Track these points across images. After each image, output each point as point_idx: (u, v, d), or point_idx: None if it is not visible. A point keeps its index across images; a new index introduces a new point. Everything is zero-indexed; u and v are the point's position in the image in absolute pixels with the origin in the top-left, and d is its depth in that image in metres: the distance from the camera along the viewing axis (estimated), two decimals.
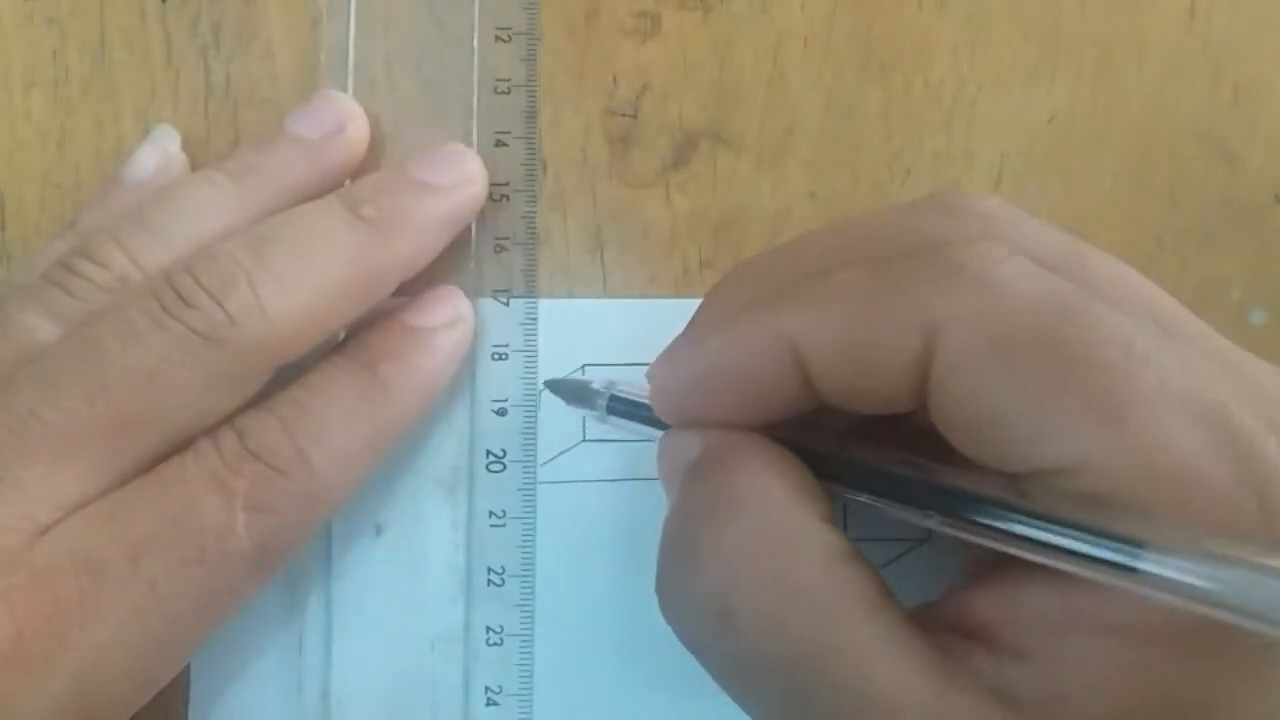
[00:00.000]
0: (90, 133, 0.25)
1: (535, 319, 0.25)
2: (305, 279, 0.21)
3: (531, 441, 0.24)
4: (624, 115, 0.26)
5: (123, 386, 0.20)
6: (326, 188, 0.24)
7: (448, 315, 0.24)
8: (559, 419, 0.25)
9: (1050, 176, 0.26)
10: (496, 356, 0.25)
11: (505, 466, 0.24)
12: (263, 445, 0.21)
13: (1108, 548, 0.16)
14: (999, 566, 0.18)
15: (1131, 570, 0.15)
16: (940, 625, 0.18)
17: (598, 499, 0.24)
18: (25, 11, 0.26)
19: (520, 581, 0.24)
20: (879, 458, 0.19)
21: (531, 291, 0.25)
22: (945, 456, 0.18)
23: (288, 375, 0.22)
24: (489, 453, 0.24)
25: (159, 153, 0.24)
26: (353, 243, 0.22)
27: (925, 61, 0.26)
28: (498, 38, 0.25)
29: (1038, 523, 0.17)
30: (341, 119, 0.24)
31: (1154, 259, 0.25)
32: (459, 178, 0.24)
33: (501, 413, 0.25)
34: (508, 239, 0.25)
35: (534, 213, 0.25)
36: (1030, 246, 0.18)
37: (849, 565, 0.18)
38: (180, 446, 0.21)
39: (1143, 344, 0.16)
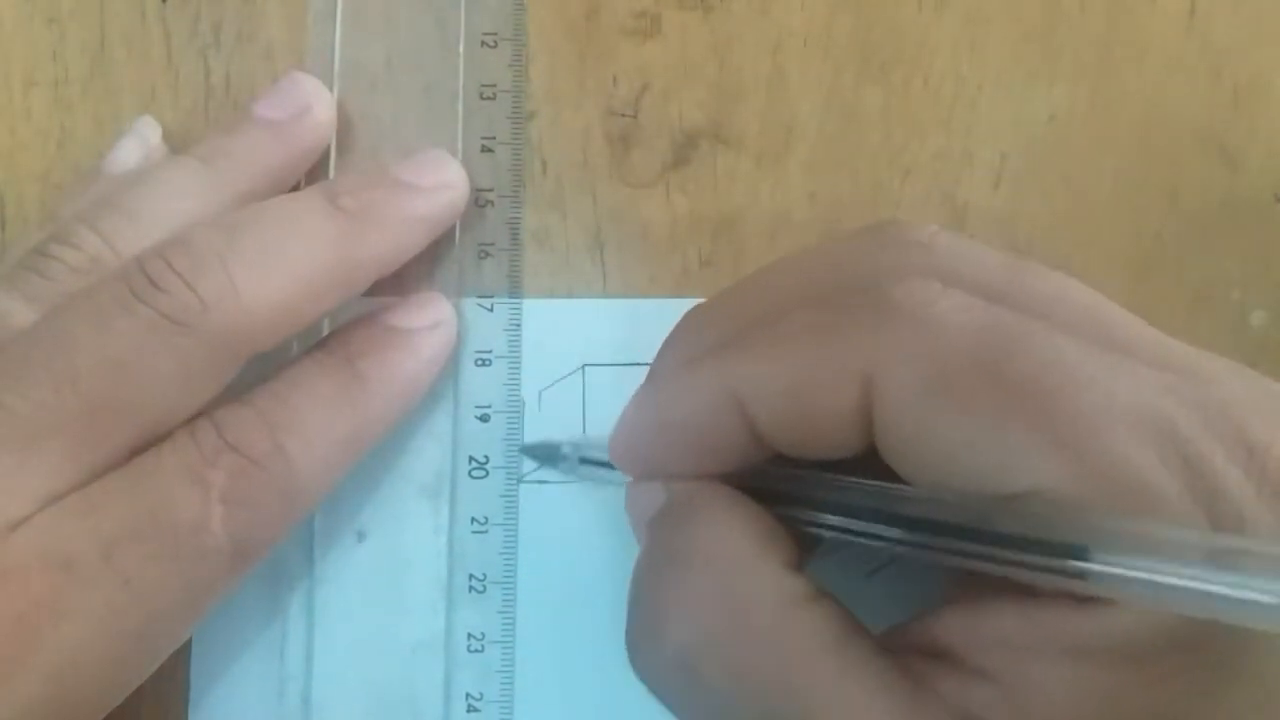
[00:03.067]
0: (90, 132, 0.25)
1: (519, 324, 0.25)
2: (280, 264, 0.21)
3: (514, 448, 0.24)
4: (624, 115, 0.26)
5: (92, 375, 0.19)
6: (297, 169, 0.24)
7: (430, 318, 0.24)
8: (546, 423, 0.25)
9: (1050, 176, 0.26)
10: (480, 362, 0.25)
11: (488, 473, 0.24)
12: (240, 437, 0.20)
13: (1057, 551, 0.16)
14: (966, 589, 0.18)
15: (1083, 571, 0.15)
16: (909, 649, 0.18)
17: (581, 503, 0.24)
18: (25, 11, 0.26)
19: (502, 588, 0.24)
20: (839, 490, 0.19)
21: (516, 296, 0.25)
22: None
23: (266, 371, 0.22)
24: (471, 459, 0.24)
25: (140, 144, 0.24)
26: (329, 231, 0.22)
27: (925, 61, 0.26)
28: (484, 43, 0.25)
29: (993, 546, 0.16)
30: (307, 99, 0.24)
31: (1154, 259, 0.25)
32: (439, 181, 0.24)
33: (484, 419, 0.24)
34: (492, 244, 0.25)
35: (519, 218, 0.25)
36: (968, 275, 0.18)
37: (810, 608, 0.18)
38: (155, 438, 0.20)
39: (1086, 365, 0.16)
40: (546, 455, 0.24)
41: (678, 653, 0.18)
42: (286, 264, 0.21)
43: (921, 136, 0.25)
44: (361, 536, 0.24)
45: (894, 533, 0.18)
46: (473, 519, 0.24)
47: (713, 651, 0.18)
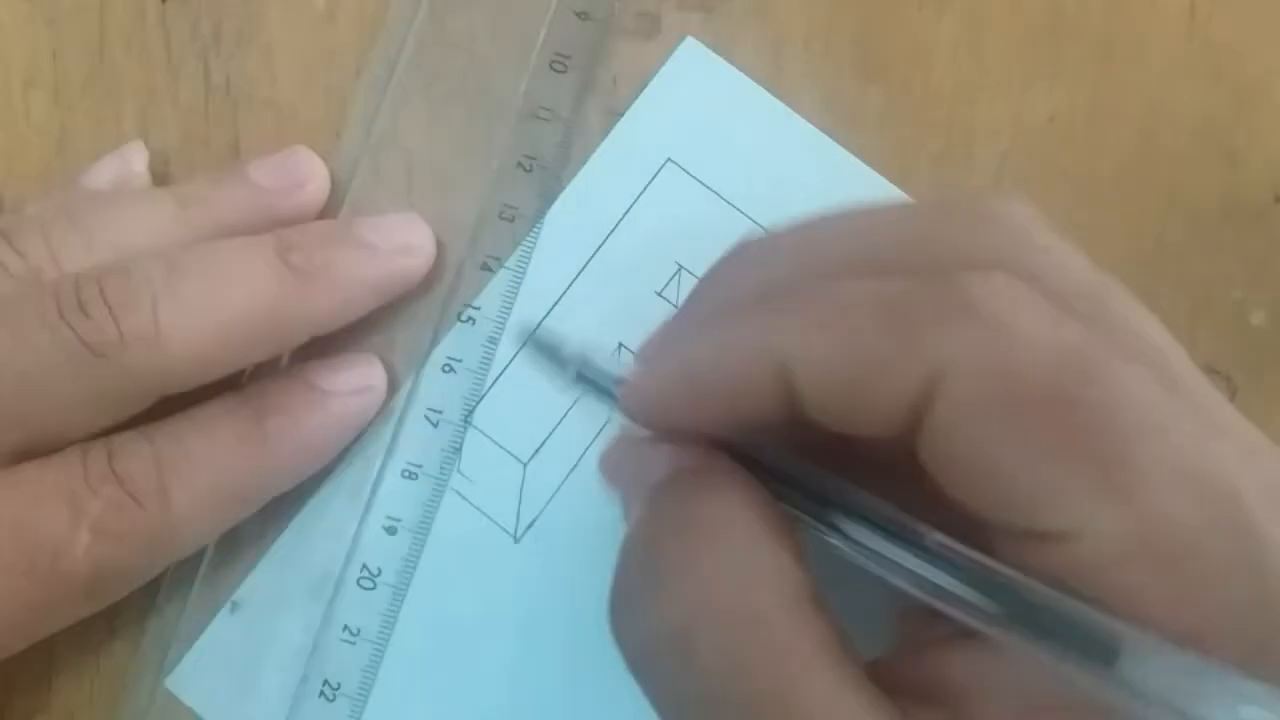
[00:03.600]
0: (90, 133, 0.25)
1: (460, 446, 0.24)
2: (212, 313, 0.21)
3: (410, 569, 0.23)
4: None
5: (3, 383, 0.19)
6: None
7: (355, 382, 0.23)
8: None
9: (1050, 176, 0.26)
10: (407, 475, 0.24)
11: (376, 586, 0.23)
12: (128, 470, 0.20)
13: (1086, 644, 0.15)
14: (968, 631, 0.18)
15: (1107, 676, 0.15)
16: (899, 686, 0.17)
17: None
18: (26, 12, 0.26)
19: (351, 703, 0.23)
20: (859, 499, 0.18)
21: (465, 418, 0.24)
22: (910, 482, 0.17)
23: (177, 401, 0.21)
24: (365, 567, 0.23)
25: (120, 166, 0.24)
26: (271, 287, 0.21)
27: (925, 61, 0.26)
28: (538, 116, 0.25)
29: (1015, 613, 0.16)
30: (303, 177, 0.24)
31: (1154, 259, 0.25)
32: (400, 245, 0.23)
33: (391, 531, 0.24)
34: (458, 360, 0.24)
35: (514, 296, 0.24)
36: (1054, 279, 0.17)
37: (818, 611, 0.17)
38: (46, 448, 0.20)
39: (1157, 411, 0.16)
40: (547, 350, 0.22)
41: (674, 627, 0.17)
42: (218, 314, 0.21)
43: (921, 137, 0.25)
44: (234, 608, 0.23)
45: (910, 561, 0.17)
46: (345, 627, 0.23)
47: (713, 631, 0.17)
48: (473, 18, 0.25)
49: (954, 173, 0.25)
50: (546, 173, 0.25)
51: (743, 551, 0.17)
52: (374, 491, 0.24)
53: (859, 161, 0.25)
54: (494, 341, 0.24)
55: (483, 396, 0.24)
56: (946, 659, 0.17)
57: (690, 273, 0.24)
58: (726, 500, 0.18)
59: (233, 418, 0.22)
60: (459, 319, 0.24)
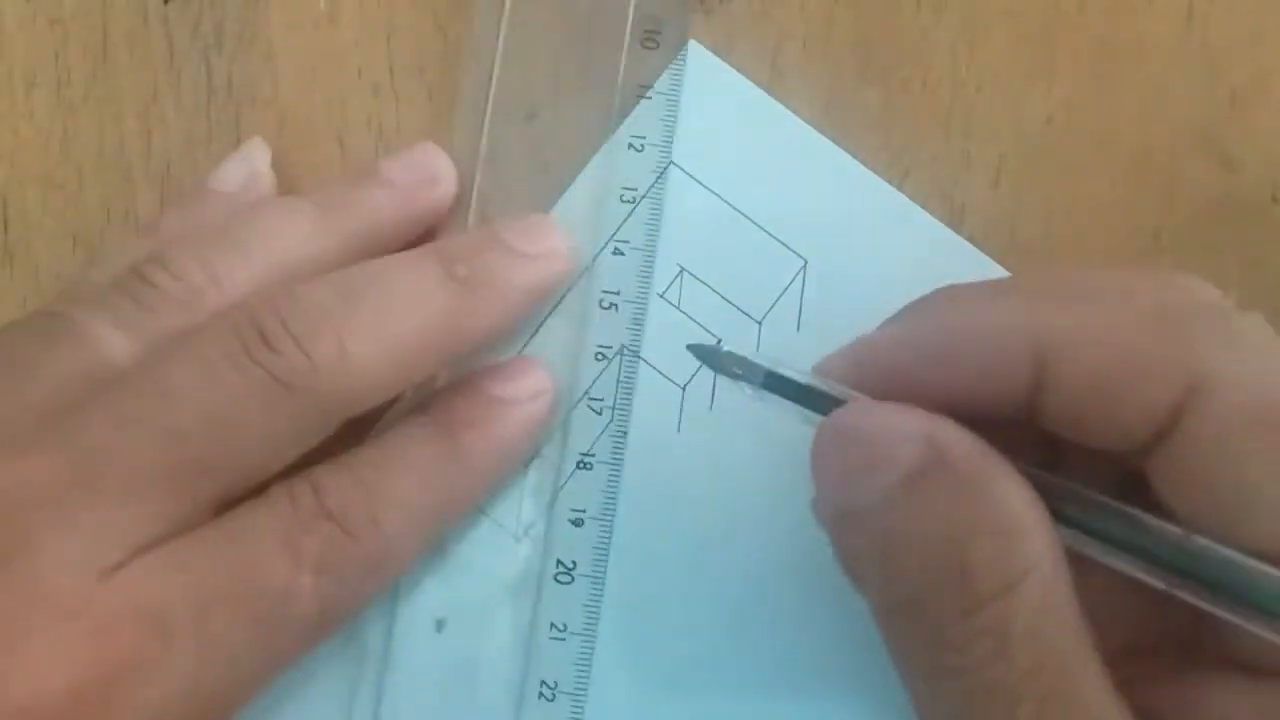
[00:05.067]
0: (92, 134, 0.25)
1: (625, 433, 0.24)
2: (392, 332, 0.21)
3: (603, 558, 0.24)
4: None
5: (199, 431, 0.19)
6: (409, 234, 0.24)
7: (530, 388, 0.23)
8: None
9: (1049, 177, 0.26)
10: (582, 465, 0.24)
11: (574, 579, 0.24)
12: (338, 505, 0.20)
13: None
14: (1164, 655, 0.18)
15: None
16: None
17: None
18: (28, 12, 0.26)
19: (572, 699, 0.24)
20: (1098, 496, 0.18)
21: (625, 407, 0.24)
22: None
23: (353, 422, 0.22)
24: (559, 563, 0.24)
25: (246, 167, 0.24)
26: (442, 301, 0.21)
27: (924, 62, 0.26)
28: (631, 145, 0.25)
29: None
30: (434, 171, 0.24)
31: (1152, 259, 0.25)
32: (546, 248, 0.23)
33: (578, 523, 0.24)
34: (617, 294, 0.24)
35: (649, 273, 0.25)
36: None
37: (1081, 617, 0.17)
38: (246, 491, 0.20)
39: None
40: (708, 357, 0.21)
41: (987, 624, 0.16)
42: (398, 332, 0.21)
43: (920, 137, 0.26)
44: (440, 626, 0.24)
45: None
46: (552, 625, 0.24)
47: (1022, 624, 0.16)
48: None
49: (953, 173, 0.26)
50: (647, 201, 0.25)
51: (1041, 553, 0.17)
52: (556, 488, 0.24)
53: (859, 164, 0.25)
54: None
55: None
56: (1164, 687, 0.17)
57: (692, 274, 0.25)
58: (1006, 498, 0.17)
59: (427, 438, 0.22)
60: (600, 306, 0.25)
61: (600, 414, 0.24)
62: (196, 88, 0.26)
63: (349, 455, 0.21)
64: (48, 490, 0.19)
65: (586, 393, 0.24)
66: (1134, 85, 0.26)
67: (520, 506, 0.24)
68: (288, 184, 0.25)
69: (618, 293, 0.25)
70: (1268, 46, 0.26)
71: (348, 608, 0.21)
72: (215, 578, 0.19)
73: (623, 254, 0.25)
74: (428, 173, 0.24)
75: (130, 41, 0.26)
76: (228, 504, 0.20)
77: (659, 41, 0.25)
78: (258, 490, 0.21)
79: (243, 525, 0.20)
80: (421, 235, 0.24)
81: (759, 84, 0.25)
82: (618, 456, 0.24)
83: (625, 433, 0.24)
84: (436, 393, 0.23)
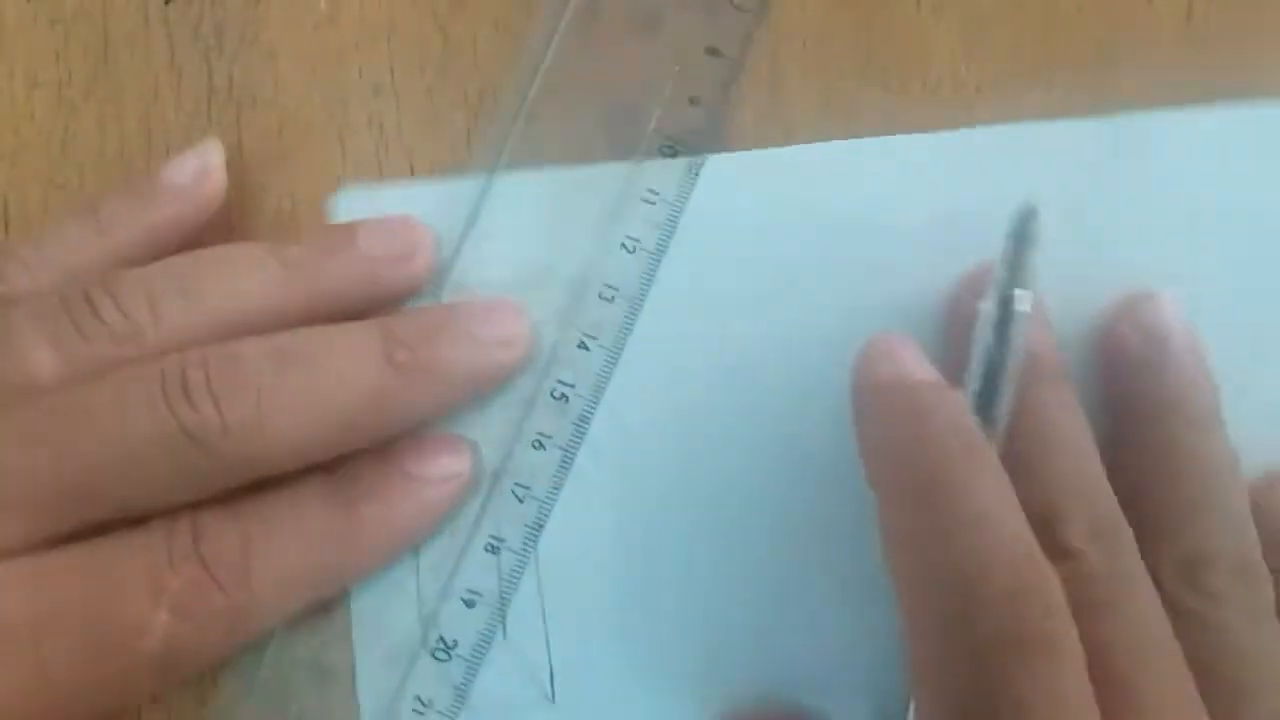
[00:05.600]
0: (93, 134, 0.25)
1: (542, 525, 0.23)
2: (315, 408, 0.20)
3: (487, 639, 0.23)
4: None
5: (97, 461, 0.19)
6: (373, 307, 0.23)
7: (448, 469, 0.22)
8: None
9: None
10: (490, 549, 0.23)
11: (450, 659, 0.23)
12: (214, 553, 0.20)
13: None
14: None
15: None
16: None
17: None
18: (29, 12, 0.26)
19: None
20: None
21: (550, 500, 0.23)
22: None
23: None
24: (440, 639, 0.23)
25: (198, 162, 0.24)
26: (377, 385, 0.21)
27: (924, 62, 0.26)
28: (623, 246, 0.24)
29: None
30: (412, 248, 0.23)
31: None
32: (502, 337, 0.23)
33: (470, 604, 0.23)
34: (548, 437, 0.24)
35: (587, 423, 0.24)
36: None
37: None
38: (129, 522, 0.20)
39: None
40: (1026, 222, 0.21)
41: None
42: (323, 410, 0.20)
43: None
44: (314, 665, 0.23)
45: None
46: (417, 697, 0.23)
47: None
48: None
49: None
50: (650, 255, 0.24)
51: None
52: (456, 566, 0.23)
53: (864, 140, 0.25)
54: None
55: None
56: None
57: None
58: None
59: (324, 503, 0.21)
60: (552, 396, 0.24)
61: (522, 501, 0.23)
62: (197, 88, 0.26)
63: (239, 504, 0.21)
64: None
65: (512, 477, 0.24)
66: (1133, 85, 0.26)
67: (416, 577, 0.23)
68: (287, 185, 0.25)
69: (572, 385, 0.24)
70: (1266, 48, 0.26)
71: (198, 658, 0.20)
72: (65, 598, 0.19)
73: (587, 348, 0.24)
74: (404, 248, 0.23)
75: (131, 42, 0.26)
76: (104, 528, 0.20)
77: (676, 151, 0.24)
78: (139, 520, 0.20)
79: (111, 551, 0.20)
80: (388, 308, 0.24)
81: (759, 81, 0.26)
82: (528, 547, 0.23)
83: (542, 525, 0.23)
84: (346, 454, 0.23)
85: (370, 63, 0.26)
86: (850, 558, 0.23)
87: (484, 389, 0.23)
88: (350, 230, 0.23)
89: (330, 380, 0.21)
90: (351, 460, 0.22)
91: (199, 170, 0.23)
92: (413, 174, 0.25)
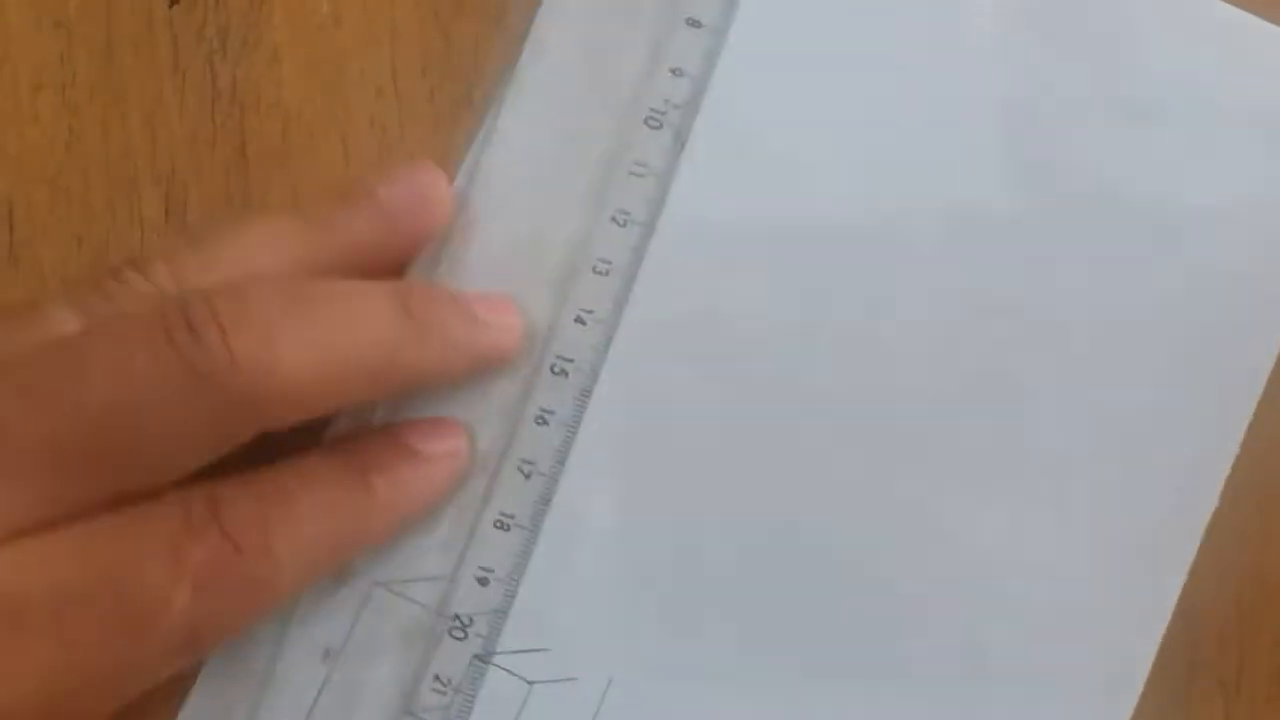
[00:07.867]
0: (98, 136, 0.26)
1: (549, 500, 0.24)
2: (328, 347, 0.20)
3: (502, 615, 0.23)
4: None
5: (101, 413, 0.18)
6: (394, 261, 0.23)
7: (447, 448, 0.23)
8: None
9: None
10: (499, 525, 0.24)
11: (467, 637, 0.23)
12: (234, 521, 0.19)
13: None
14: None
15: None
16: None
17: None
18: (33, 15, 0.26)
19: None
20: None
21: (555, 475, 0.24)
22: None
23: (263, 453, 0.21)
24: (457, 618, 0.23)
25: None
26: (389, 334, 0.21)
27: None
28: (614, 220, 0.24)
29: None
30: (430, 194, 0.23)
31: None
32: (504, 324, 0.23)
33: (484, 582, 0.23)
34: (550, 413, 0.24)
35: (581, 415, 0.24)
36: None
37: None
38: (144, 488, 0.19)
39: None
40: None
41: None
42: (335, 350, 0.20)
43: None
44: (328, 654, 0.23)
45: None
46: (436, 677, 0.23)
47: None
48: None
49: None
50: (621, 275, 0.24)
51: None
52: (468, 543, 0.24)
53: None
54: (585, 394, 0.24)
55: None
56: None
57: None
58: None
59: (338, 470, 0.21)
60: (551, 371, 0.24)
61: (529, 478, 0.24)
62: (201, 90, 0.26)
63: (253, 474, 0.21)
64: None
65: (518, 454, 0.24)
66: None
67: (425, 558, 0.24)
68: (291, 186, 0.25)
69: (571, 360, 0.24)
70: None
71: (220, 632, 0.20)
72: (86, 576, 0.18)
73: (584, 323, 0.24)
74: (421, 194, 0.23)
75: (135, 44, 0.26)
76: (121, 502, 0.19)
77: (663, 121, 0.25)
78: (154, 496, 0.20)
79: (129, 524, 0.19)
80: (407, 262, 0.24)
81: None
82: (537, 523, 0.24)
83: (549, 500, 0.24)
84: (351, 433, 0.23)
85: (372, 65, 0.26)
86: (866, 516, 0.24)
87: (481, 370, 0.23)
88: (368, 183, 0.23)
89: (347, 320, 0.20)
90: (357, 439, 0.23)
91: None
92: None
